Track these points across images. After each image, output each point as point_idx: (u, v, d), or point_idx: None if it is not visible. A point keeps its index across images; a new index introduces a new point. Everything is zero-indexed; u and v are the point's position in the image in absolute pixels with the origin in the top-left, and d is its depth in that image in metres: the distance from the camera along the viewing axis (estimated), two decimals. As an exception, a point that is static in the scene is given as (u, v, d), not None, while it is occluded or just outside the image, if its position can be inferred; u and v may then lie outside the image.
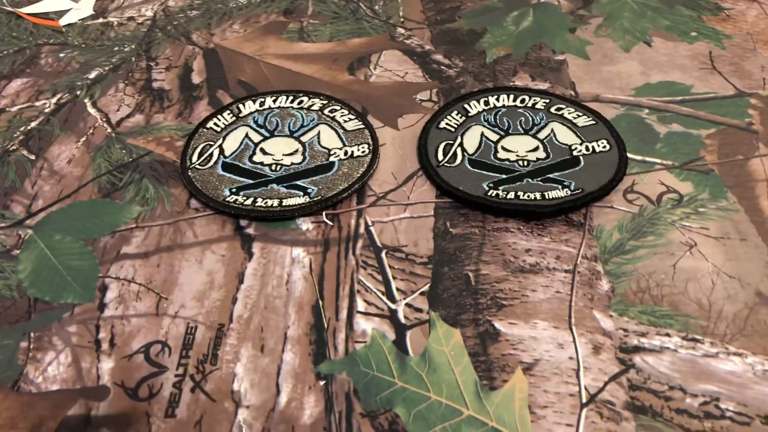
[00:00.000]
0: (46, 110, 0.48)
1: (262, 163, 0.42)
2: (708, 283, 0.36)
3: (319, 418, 0.31)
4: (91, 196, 0.41)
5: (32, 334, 0.34)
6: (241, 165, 0.42)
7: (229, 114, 0.45)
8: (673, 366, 0.32)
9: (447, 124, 0.44)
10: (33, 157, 0.44)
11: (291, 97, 0.47)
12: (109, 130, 0.46)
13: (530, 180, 0.40)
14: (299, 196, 0.40)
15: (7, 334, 0.34)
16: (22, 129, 0.46)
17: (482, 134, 0.44)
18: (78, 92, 0.49)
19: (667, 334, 0.34)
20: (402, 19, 0.56)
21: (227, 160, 0.42)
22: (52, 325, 0.35)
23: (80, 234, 0.39)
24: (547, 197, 0.39)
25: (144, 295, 0.36)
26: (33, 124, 0.47)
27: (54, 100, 0.49)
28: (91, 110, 0.48)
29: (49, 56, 0.54)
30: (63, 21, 0.58)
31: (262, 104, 0.46)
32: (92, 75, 0.51)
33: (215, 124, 0.45)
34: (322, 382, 0.32)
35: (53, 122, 0.47)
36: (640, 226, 0.38)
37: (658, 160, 0.42)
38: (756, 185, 0.41)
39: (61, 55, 0.54)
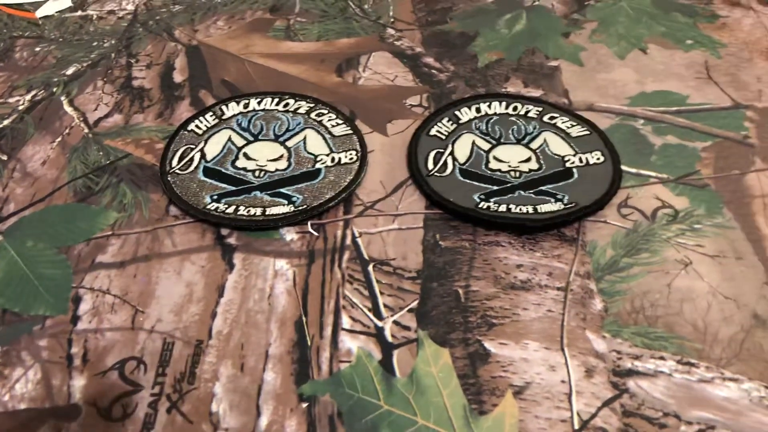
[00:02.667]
0: (20, 107, 0.46)
1: (245, 169, 0.40)
2: (703, 304, 0.35)
3: (301, 443, 0.30)
4: (66, 201, 0.40)
5: None
6: (223, 170, 0.40)
7: (211, 116, 0.44)
8: (668, 391, 0.31)
9: (437, 131, 0.43)
10: (5, 158, 0.42)
11: (276, 99, 0.45)
12: (86, 130, 0.44)
13: (522, 192, 0.39)
14: (283, 205, 0.38)
15: (-26, 348, 0.33)
16: (-6, 127, 0.44)
17: (473, 143, 0.42)
18: (54, 89, 0.47)
19: (662, 358, 0.33)
20: (392, 19, 0.54)
21: (209, 164, 0.40)
22: (21, 338, 0.33)
23: (54, 241, 0.37)
24: (539, 211, 0.38)
25: (119, 308, 0.34)
26: (6, 122, 0.45)
27: (28, 97, 0.47)
28: (68, 109, 0.46)
29: (24, 50, 0.52)
30: (39, 13, 0.55)
31: (246, 106, 0.44)
32: (69, 71, 0.49)
33: (197, 126, 0.43)
34: (304, 405, 0.31)
35: (27, 120, 0.45)
36: (635, 242, 0.37)
37: (653, 173, 0.41)
38: (752, 201, 0.40)
39: (37, 49, 0.52)
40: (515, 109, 0.45)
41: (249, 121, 0.43)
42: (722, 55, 0.50)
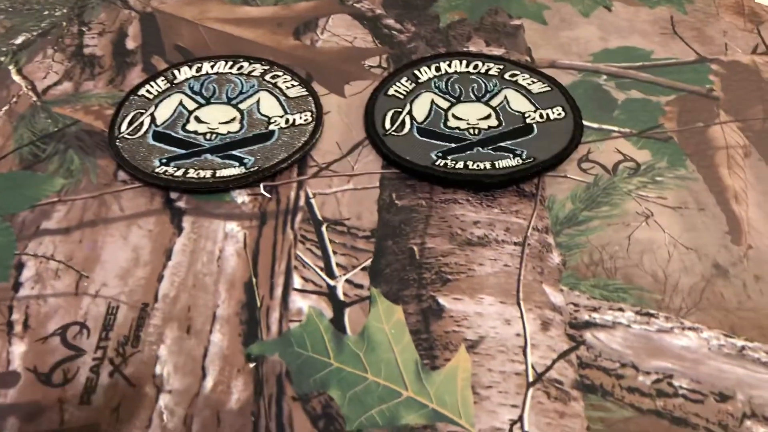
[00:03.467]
0: (-33, 77, 0.45)
1: (196, 132, 0.39)
2: (664, 255, 0.34)
3: (247, 403, 0.29)
4: (11, 169, 0.38)
5: (-62, 317, 0.32)
6: (173, 134, 0.39)
7: (162, 80, 0.42)
8: (626, 342, 0.31)
9: (396, 91, 0.42)
10: (-51, 127, 0.41)
11: (230, 63, 0.44)
12: (34, 98, 0.43)
13: (481, 149, 0.38)
14: (234, 167, 0.37)
15: None
16: (-61, 97, 0.43)
17: (432, 102, 0.41)
18: (2, 58, 0.46)
19: (620, 309, 0.32)
20: (353, -17, 0.53)
21: (159, 129, 0.39)
22: (-40, 306, 0.32)
23: (-3, 209, 0.36)
24: (497, 167, 0.37)
25: (63, 273, 0.33)
26: (-49, 92, 0.43)
27: (-24, 67, 0.45)
28: (16, 77, 0.44)
29: (-26, 21, 0.50)
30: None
31: (198, 70, 0.43)
32: (19, 40, 0.47)
33: (147, 91, 0.42)
34: (252, 365, 0.30)
35: (-26, 90, 0.44)
36: (595, 196, 0.37)
37: (615, 128, 0.40)
38: (715, 153, 0.39)
39: (-14, 19, 0.50)
40: (476, 67, 0.44)
41: (201, 85, 0.42)
42: (688, 11, 0.49)
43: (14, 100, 0.43)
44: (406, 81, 0.43)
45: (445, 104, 0.41)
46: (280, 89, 0.42)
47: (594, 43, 0.47)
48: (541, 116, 0.40)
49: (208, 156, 0.38)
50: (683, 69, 0.44)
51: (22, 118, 0.41)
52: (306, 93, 0.42)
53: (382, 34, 0.48)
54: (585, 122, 0.40)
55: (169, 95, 0.41)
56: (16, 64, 0.45)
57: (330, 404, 0.29)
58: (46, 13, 0.50)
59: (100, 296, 0.32)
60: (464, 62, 0.44)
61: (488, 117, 0.40)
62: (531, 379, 0.29)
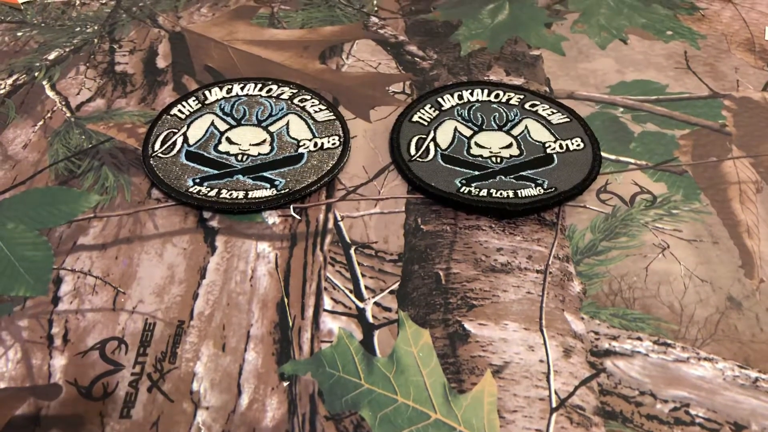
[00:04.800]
0: (1, 92, 0.46)
1: (227, 153, 0.40)
2: (680, 287, 0.35)
3: (281, 421, 0.30)
4: (47, 184, 0.40)
5: (-20, 329, 0.33)
6: (205, 154, 0.40)
7: (194, 101, 0.44)
8: (644, 371, 0.32)
9: (420, 117, 0.43)
10: (-14, 141, 0.42)
11: (260, 85, 0.45)
12: (68, 114, 0.44)
13: (503, 177, 0.39)
14: (266, 189, 0.38)
15: (-47, 328, 0.33)
16: (-25, 110, 0.44)
17: (455, 129, 0.43)
18: (36, 74, 0.47)
19: (639, 338, 0.33)
20: (376, 8, 0.55)
21: (191, 148, 0.40)
22: (1, 319, 0.33)
23: (34, 223, 0.37)
24: (519, 195, 0.38)
25: (101, 289, 0.34)
26: (-13, 106, 0.44)
27: (10, 81, 0.46)
28: (50, 93, 0.45)
29: (6, 35, 0.51)
30: (22, -2, 0.55)
31: (229, 91, 0.44)
32: (52, 56, 0.49)
33: (180, 110, 0.43)
34: (285, 384, 0.31)
35: (8, 104, 0.45)
36: (613, 226, 0.38)
37: (632, 160, 0.42)
38: (728, 187, 0.40)
39: (19, 34, 0.51)
40: (497, 96, 0.45)
41: (232, 106, 0.43)
42: (701, 46, 0.51)
43: (48, 115, 0.44)
44: (430, 108, 0.44)
45: (468, 132, 0.42)
46: (308, 113, 0.43)
47: (611, 75, 0.48)
48: (561, 147, 0.41)
49: (240, 177, 0.39)
50: (696, 104, 0.46)
51: (56, 134, 0.42)
52: (333, 117, 0.43)
53: (406, 61, 0.49)
54: (603, 153, 0.41)
55: (200, 115, 0.43)
56: (49, 80, 0.46)
57: (362, 424, 0.30)
58: (78, 29, 0.51)
59: (137, 312, 0.33)
60: (486, 91, 0.45)
61: (510, 146, 0.41)
62: (554, 404, 0.30)
